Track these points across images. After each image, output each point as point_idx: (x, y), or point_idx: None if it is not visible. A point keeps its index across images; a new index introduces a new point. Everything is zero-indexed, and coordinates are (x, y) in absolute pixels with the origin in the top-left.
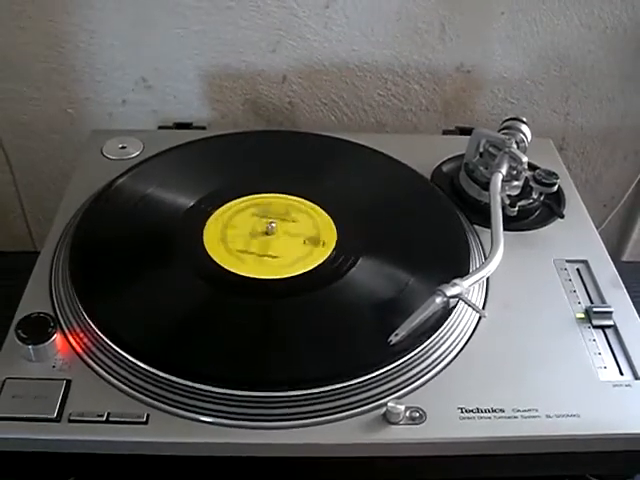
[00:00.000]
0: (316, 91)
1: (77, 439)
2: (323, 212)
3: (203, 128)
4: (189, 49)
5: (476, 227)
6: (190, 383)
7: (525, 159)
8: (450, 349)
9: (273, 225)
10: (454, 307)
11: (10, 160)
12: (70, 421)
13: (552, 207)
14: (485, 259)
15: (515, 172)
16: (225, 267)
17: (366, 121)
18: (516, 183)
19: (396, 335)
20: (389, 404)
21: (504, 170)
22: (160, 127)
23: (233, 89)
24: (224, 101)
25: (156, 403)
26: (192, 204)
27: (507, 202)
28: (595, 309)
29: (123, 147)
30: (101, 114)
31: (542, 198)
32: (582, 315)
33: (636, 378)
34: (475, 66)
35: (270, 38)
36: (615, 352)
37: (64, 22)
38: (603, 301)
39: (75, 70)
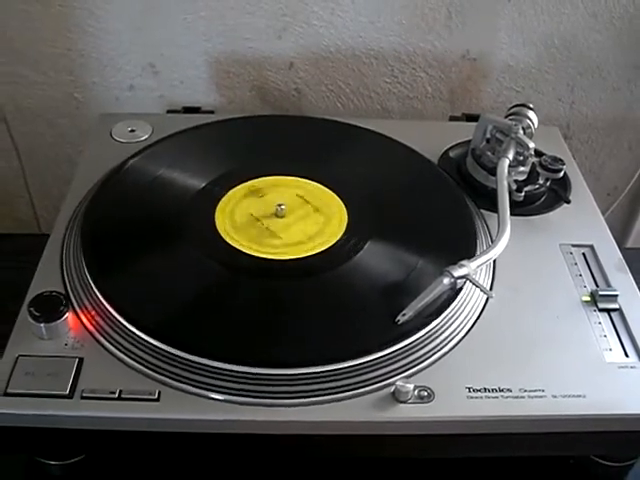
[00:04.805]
0: (322, 78)
1: (89, 415)
2: (334, 195)
3: (212, 112)
4: (196, 35)
5: (483, 212)
6: (201, 360)
7: (532, 145)
8: (458, 330)
9: (283, 207)
10: (461, 288)
11: (17, 145)
12: (82, 398)
13: (558, 192)
14: (492, 243)
15: (522, 158)
16: (236, 247)
17: (372, 108)
18: (523, 168)
19: (403, 315)
20: (398, 383)
21: (511, 155)
22: (169, 111)
23: (240, 75)
24: (231, 87)
25: (168, 380)
26: (204, 185)
27: (514, 187)
28: (601, 292)
29: (132, 130)
30: (108, 99)
31: (548, 184)
32: (588, 298)
33: None
34: (481, 54)
35: (276, 24)
36: (620, 335)
37: (71, 6)
38: (608, 285)
39: (82, 55)
